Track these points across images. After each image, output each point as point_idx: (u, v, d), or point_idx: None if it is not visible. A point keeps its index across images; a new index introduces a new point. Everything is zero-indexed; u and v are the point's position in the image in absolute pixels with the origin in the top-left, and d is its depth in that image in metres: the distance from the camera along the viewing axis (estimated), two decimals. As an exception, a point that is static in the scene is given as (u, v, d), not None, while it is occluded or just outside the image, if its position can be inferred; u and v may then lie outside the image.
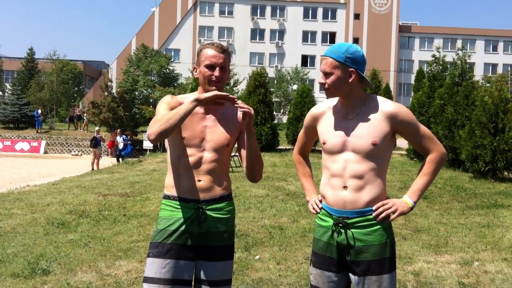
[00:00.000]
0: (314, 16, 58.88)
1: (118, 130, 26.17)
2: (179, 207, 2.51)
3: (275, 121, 22.47)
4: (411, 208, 2.44)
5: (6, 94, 44.53)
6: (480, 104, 12.10)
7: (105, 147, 25.21)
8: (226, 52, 2.53)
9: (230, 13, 58.75)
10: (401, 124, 2.42)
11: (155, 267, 2.44)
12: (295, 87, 42.17)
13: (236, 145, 2.68)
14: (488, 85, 36.89)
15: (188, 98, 2.49)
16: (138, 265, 5.10)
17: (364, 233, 2.40)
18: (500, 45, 60.70)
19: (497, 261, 5.32)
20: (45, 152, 30.49)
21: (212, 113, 2.57)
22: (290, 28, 58.49)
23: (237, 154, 2.74)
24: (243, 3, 58.44)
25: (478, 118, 11.93)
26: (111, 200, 9.17)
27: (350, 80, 2.40)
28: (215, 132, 2.53)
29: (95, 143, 20.59)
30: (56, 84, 44.66)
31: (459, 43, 52.70)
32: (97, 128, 24.35)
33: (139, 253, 5.55)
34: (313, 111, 2.65)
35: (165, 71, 44.00)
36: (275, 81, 49.19)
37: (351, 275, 2.45)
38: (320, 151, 2.75)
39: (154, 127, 2.30)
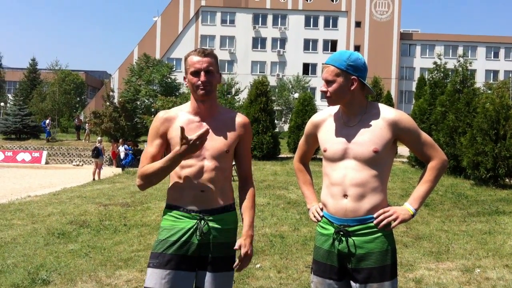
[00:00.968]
0: (316, 24, 59.07)
1: (120, 140, 26.22)
2: (181, 217, 2.49)
3: (277, 130, 22.49)
4: (412, 216, 2.43)
5: (8, 104, 44.61)
6: (482, 111, 12.08)
7: (108, 155, 25.16)
8: (210, 55, 2.47)
9: (232, 22, 59.00)
10: (403, 131, 2.41)
11: (155, 277, 2.42)
12: (296, 95, 42.17)
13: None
14: (489, 91, 37.00)
15: (183, 110, 2.55)
16: (139, 275, 5.08)
17: (365, 241, 2.39)
18: (501, 52, 60.74)
19: (499, 268, 5.29)
20: (47, 163, 30.48)
21: (209, 120, 2.54)
22: (291, 37, 58.68)
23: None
24: (244, 12, 58.68)
25: (479, 125, 11.91)
26: (111, 210, 9.15)
27: (352, 88, 2.40)
28: (213, 139, 2.49)
29: (97, 153, 20.60)
30: (58, 95, 44.82)
31: (460, 50, 52.85)
32: (99, 138, 24.37)
33: (140, 263, 5.53)
34: (314, 118, 2.64)
35: (167, 80, 44.13)
36: (277, 90, 49.33)
37: (352, 283, 2.44)
38: (320, 159, 2.74)
39: (141, 179, 2.45)
